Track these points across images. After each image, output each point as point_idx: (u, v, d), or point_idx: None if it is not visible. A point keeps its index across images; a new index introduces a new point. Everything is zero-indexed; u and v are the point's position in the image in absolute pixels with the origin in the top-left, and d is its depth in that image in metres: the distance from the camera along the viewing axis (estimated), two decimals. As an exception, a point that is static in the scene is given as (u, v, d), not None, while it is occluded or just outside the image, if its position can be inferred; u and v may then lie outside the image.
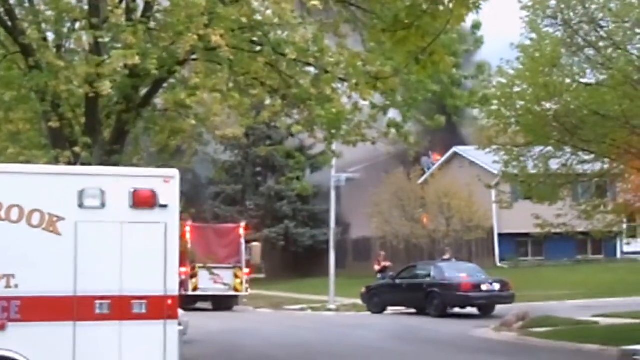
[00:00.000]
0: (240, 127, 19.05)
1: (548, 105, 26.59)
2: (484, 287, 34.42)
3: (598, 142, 25.89)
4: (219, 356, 23.35)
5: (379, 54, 16.31)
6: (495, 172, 34.03)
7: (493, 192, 37.77)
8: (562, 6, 25.42)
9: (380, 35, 10.00)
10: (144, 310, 13.87)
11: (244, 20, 17.55)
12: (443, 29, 10.06)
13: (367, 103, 19.24)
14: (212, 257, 33.08)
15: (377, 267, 43.70)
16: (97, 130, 18.23)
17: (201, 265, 35.91)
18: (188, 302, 34.36)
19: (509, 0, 26.39)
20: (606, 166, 28.10)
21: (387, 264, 44.09)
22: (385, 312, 37.53)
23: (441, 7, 9.74)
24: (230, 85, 18.97)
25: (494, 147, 28.76)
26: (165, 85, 19.35)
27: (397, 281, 37.38)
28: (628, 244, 49.23)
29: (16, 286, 13.36)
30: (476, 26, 17.64)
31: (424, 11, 9.56)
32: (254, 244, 42.00)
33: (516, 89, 26.85)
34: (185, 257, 31.10)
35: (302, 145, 43.57)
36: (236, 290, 39.49)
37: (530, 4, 25.81)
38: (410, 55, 10.18)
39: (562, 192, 28.60)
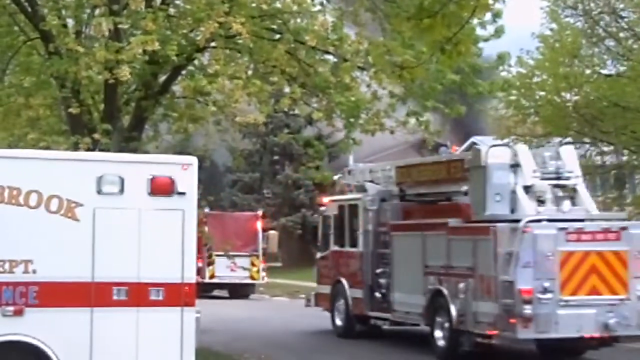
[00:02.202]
0: (261, 113, 19.06)
1: (568, 96, 26.54)
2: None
3: (618, 133, 25.82)
4: (234, 344, 23.37)
5: (399, 42, 16.27)
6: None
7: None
8: (583, -4, 25.37)
9: (404, 24, 9.92)
10: (161, 297, 13.89)
11: (264, 7, 17.57)
12: (469, 18, 9.97)
13: (386, 92, 19.22)
14: (230, 245, 33.10)
15: None
16: (115, 117, 18.28)
17: (218, 253, 35.96)
18: (205, 290, 34.41)
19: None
20: (625, 158, 27.99)
21: None
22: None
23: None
24: (249, 72, 18.99)
25: (513, 137, 28.68)
26: (183, 72, 19.37)
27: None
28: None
29: (34, 272, 13.41)
30: (497, 15, 17.53)
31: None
32: (271, 232, 41.94)
33: (536, 79, 26.80)
34: (202, 245, 31.12)
35: (320, 134, 43.47)
36: (253, 278, 39.50)
37: (551, -6, 25.76)
38: (436, 45, 10.08)
39: (580, 183, 28.49)
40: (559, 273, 18.51)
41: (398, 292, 22.56)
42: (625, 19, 25.42)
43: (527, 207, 19.38)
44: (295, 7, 17.98)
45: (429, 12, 9.61)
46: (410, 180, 23.39)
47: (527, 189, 19.62)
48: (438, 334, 20.61)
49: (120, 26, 17.08)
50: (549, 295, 18.33)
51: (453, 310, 19.92)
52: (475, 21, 14.93)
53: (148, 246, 13.87)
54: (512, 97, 26.77)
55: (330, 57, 18.98)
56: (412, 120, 19.53)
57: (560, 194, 19.82)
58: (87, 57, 16.79)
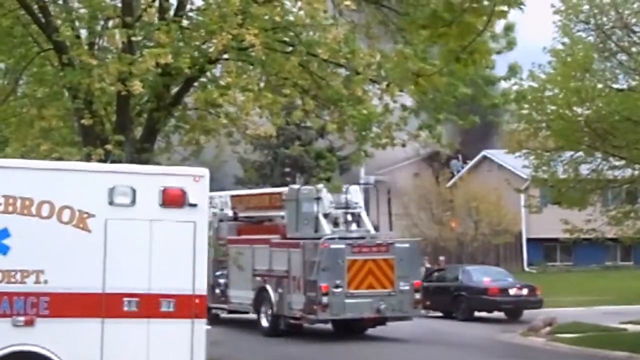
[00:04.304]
0: (273, 125, 19.08)
1: (579, 110, 26.46)
2: (511, 292, 34.28)
3: (629, 148, 25.73)
4: (244, 356, 23.36)
5: (413, 53, 16.25)
6: (525, 176, 33.86)
7: (522, 197, 37.64)
8: (595, 11, 25.33)
9: (418, 32, 9.89)
10: (172, 309, 13.92)
11: (277, 19, 17.58)
12: (485, 27, 9.92)
13: (398, 105, 19.20)
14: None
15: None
16: (127, 128, 18.28)
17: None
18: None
19: (542, 5, 26.28)
20: (637, 172, 27.91)
21: (428, 265, 44.40)
22: (412, 314, 37.44)
23: (477, 5, 9.59)
24: (262, 84, 19.00)
25: (524, 151, 28.64)
26: (195, 84, 19.39)
27: (424, 284, 37.25)
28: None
29: (45, 282, 13.44)
30: (509, 28, 17.53)
31: (464, 10, 9.45)
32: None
33: (547, 93, 26.74)
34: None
35: (331, 146, 43.45)
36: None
37: (563, 8, 25.71)
38: (451, 55, 10.05)
39: (592, 197, 28.42)
40: (346, 274, 26.43)
41: (233, 289, 30.11)
42: (638, 34, 25.34)
43: (326, 229, 27.44)
44: (307, 20, 17.97)
45: (443, 22, 9.59)
46: (242, 206, 31.06)
47: (326, 215, 27.72)
48: (263, 318, 28.46)
49: (133, 38, 17.10)
50: (339, 290, 26.34)
51: (274, 301, 27.79)
52: (487, 34, 14.88)
53: (159, 257, 13.90)
54: (524, 111, 26.72)
55: (342, 70, 18.97)
56: (424, 133, 19.50)
57: (350, 219, 28.08)
58: (100, 68, 16.82)
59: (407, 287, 27.09)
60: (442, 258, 47.31)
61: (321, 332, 28.43)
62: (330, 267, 26.24)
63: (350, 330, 28.05)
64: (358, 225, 28.21)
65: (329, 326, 28.43)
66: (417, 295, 27.54)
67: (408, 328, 31.10)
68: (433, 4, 9.96)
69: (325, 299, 26.09)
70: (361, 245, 26.85)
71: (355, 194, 28.65)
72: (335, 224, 27.84)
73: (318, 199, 27.58)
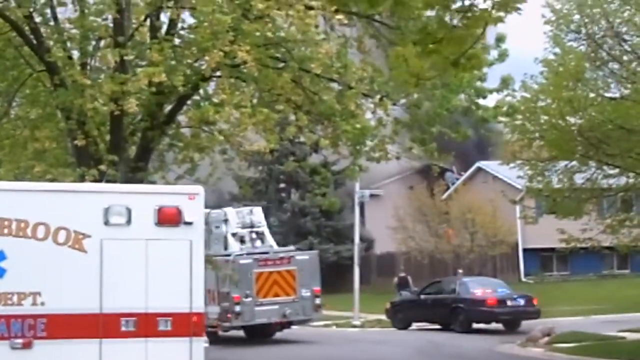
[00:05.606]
0: (268, 141, 19.07)
1: (572, 119, 26.45)
2: (509, 303, 34.25)
3: (623, 156, 25.72)
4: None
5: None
6: (519, 187, 33.90)
7: (517, 207, 37.62)
8: (586, 20, 25.34)
9: (409, 48, 9.91)
10: (169, 327, 13.88)
11: (269, 35, 17.59)
12: (482, 33, 9.94)
13: (390, 119, 19.21)
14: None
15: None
16: (121, 148, 18.28)
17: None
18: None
19: (532, 15, 26.31)
20: (631, 180, 27.91)
21: (402, 275, 44.63)
22: (410, 327, 37.40)
23: (470, 16, 9.60)
24: (254, 101, 19.01)
25: (518, 162, 28.64)
26: (189, 102, 19.40)
27: (422, 297, 37.24)
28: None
29: (42, 304, 13.41)
30: (500, 39, 17.59)
31: (454, 26, 9.48)
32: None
33: (540, 104, 26.75)
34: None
35: (326, 161, 43.49)
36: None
37: (553, 18, 25.74)
38: (446, 61, 10.06)
39: (587, 206, 28.41)
40: (255, 285, 29.91)
41: None
42: (629, 42, 25.37)
43: (234, 246, 31.04)
44: (299, 36, 17.99)
45: (433, 38, 9.62)
46: None
47: (234, 235, 31.28)
48: None
49: (125, 57, 17.11)
50: (249, 299, 29.83)
51: None
52: (479, 45, 14.87)
53: (156, 276, 13.86)
54: (517, 122, 26.73)
55: (335, 85, 18.99)
56: (417, 149, 19.50)
57: (254, 236, 31.69)
58: (92, 89, 16.82)
59: (308, 294, 30.74)
60: (460, 271, 47.12)
61: (234, 339, 31.45)
62: (241, 280, 29.45)
63: (260, 334, 31.51)
64: (262, 242, 31.85)
65: (241, 332, 31.85)
66: (317, 300, 31.21)
67: (407, 341, 31.06)
68: (424, 17, 9.98)
69: (237, 308, 29.79)
70: (266, 259, 30.42)
71: (258, 214, 32.41)
72: (242, 241, 31.46)
73: (226, 220, 31.60)
